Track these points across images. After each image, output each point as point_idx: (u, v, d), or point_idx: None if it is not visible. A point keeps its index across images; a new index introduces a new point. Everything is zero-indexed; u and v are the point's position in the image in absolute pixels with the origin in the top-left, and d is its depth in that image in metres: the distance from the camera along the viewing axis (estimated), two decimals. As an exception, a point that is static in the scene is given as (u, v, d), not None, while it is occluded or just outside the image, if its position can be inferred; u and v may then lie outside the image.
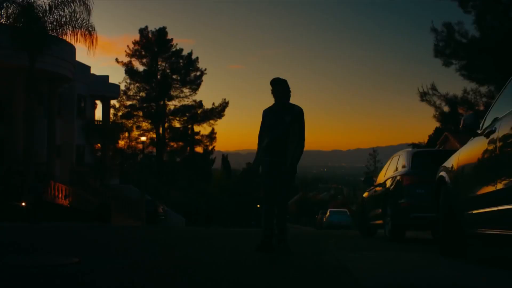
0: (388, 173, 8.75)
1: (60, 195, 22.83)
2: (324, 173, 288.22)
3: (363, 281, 3.43)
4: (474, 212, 4.04)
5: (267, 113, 5.24)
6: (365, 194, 10.37)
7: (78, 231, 9.66)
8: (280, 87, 5.15)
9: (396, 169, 8.19)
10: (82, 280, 3.19)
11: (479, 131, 4.20)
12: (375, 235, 9.96)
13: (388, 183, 8.15)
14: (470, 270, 3.94)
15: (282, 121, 5.06)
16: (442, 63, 12.95)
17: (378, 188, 9.01)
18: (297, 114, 5.12)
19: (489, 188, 3.72)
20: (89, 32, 19.69)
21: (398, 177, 7.69)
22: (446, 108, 12.74)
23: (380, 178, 9.23)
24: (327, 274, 3.74)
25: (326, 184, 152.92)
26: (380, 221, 8.60)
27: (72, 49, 25.46)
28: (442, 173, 4.97)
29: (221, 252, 5.54)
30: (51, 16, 19.46)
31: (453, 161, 4.74)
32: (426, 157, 8.06)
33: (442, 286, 3.26)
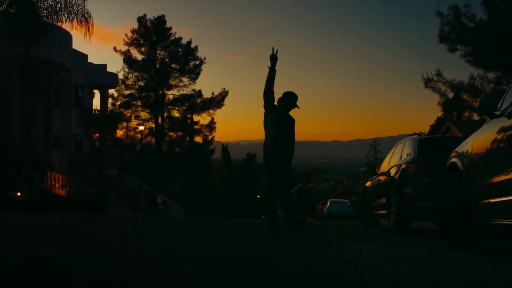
0: (392, 161, 8.46)
1: (57, 185, 22.62)
2: (324, 163, 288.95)
3: (370, 277, 3.13)
4: (491, 201, 3.70)
5: (279, 110, 6.01)
6: (368, 184, 10.10)
7: (71, 222, 9.36)
8: (295, 101, 6.11)
9: (401, 157, 7.89)
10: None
11: (497, 112, 3.84)
12: (377, 226, 9.71)
13: (393, 172, 7.84)
14: (483, 264, 3.63)
15: (289, 122, 6.06)
16: (447, 49, 12.58)
17: (381, 177, 8.71)
18: (294, 121, 6.15)
19: (509, 175, 3.37)
20: (85, 19, 19.25)
21: (403, 165, 7.38)
22: (451, 95, 12.36)
23: (384, 167, 8.94)
24: (330, 269, 3.42)
25: (326, 174, 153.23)
26: (383, 211, 8.31)
27: (68, 37, 25.05)
28: (454, 159, 4.62)
29: (219, 246, 5.22)
30: (45, 2, 19.00)
31: (467, 146, 4.38)
32: (432, 144, 7.76)
33: (456, 282, 2.94)
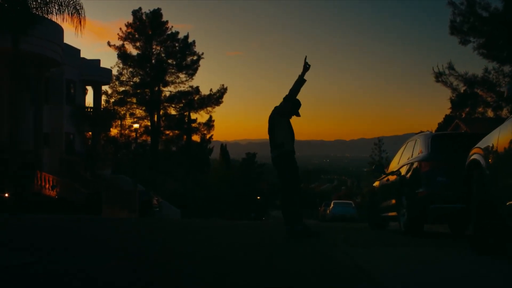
0: (402, 159, 8.23)
1: (47, 186, 22.40)
2: (327, 163, 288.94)
3: (384, 286, 2.86)
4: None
5: (289, 123, 6.38)
6: (376, 183, 9.87)
7: (59, 224, 9.09)
8: (299, 108, 6.38)
9: (412, 155, 7.65)
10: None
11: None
12: (386, 228, 9.49)
13: (403, 171, 7.61)
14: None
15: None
16: (459, 41, 12.29)
17: (391, 177, 8.47)
18: None
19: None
20: (76, 11, 18.91)
21: (415, 164, 7.15)
22: (463, 89, 12.08)
23: (393, 166, 8.72)
24: (341, 277, 3.15)
25: (328, 175, 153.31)
26: (393, 213, 8.09)
27: (59, 30, 24.77)
28: (476, 156, 4.36)
29: (215, 247, 4.96)
30: (34, -7, 18.70)
31: (491, 141, 4.12)
32: (446, 140, 7.52)
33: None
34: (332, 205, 31.47)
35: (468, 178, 4.60)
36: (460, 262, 3.80)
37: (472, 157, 4.51)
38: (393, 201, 7.96)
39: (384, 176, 9.11)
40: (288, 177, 6.21)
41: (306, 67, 6.00)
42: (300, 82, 6.04)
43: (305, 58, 6.03)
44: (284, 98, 6.16)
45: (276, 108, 6.29)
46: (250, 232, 7.62)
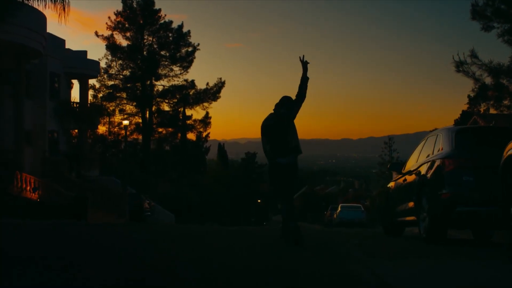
0: (421, 157, 7.99)
1: (28, 188, 22.06)
2: (332, 164, 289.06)
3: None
4: None
5: None
6: (391, 184, 9.62)
7: (36, 230, 8.75)
8: None
9: (433, 152, 7.39)
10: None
11: None
12: (403, 234, 9.30)
13: (424, 170, 7.34)
14: None
15: None
16: (481, 27, 11.94)
17: (409, 177, 8.21)
18: None
19: None
20: (59, -4, 18.57)
21: (437, 162, 6.88)
22: (487, 80, 11.74)
23: (411, 164, 8.45)
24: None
25: (334, 176, 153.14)
26: (411, 218, 7.85)
27: (42, 18, 24.40)
28: (515, 151, 4.00)
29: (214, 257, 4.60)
30: (12, -24, 18.31)
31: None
32: (472, 135, 7.28)
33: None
34: (339, 209, 31.33)
35: (504, 177, 4.27)
36: (503, 279, 3.44)
37: (510, 152, 4.17)
38: (412, 204, 7.73)
39: (400, 176, 8.87)
40: (293, 184, 6.67)
41: (306, 66, 6.47)
42: (307, 81, 6.50)
43: (303, 57, 6.53)
44: (299, 100, 6.54)
45: (286, 110, 6.57)
46: (250, 241, 7.27)
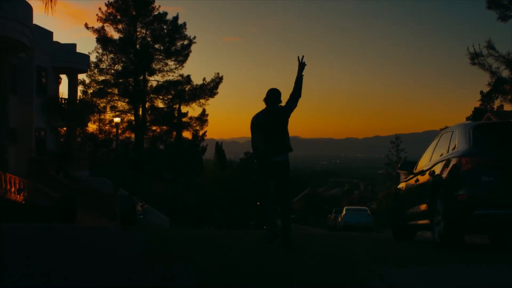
0: (435, 156, 7.82)
1: (13, 189, 21.97)
2: (336, 164, 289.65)
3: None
4: None
5: None
6: (401, 185, 9.48)
7: (21, 234, 8.56)
8: None
9: (449, 150, 7.23)
10: None
11: None
12: (414, 239, 9.20)
13: (438, 169, 7.17)
14: None
15: None
16: (497, 17, 11.76)
17: (421, 177, 8.04)
18: None
19: None
20: (45, -17, 18.38)
21: (453, 160, 6.71)
22: (505, 73, 11.53)
23: (423, 164, 8.30)
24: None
25: (338, 177, 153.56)
26: (424, 221, 7.68)
27: (28, 9, 24.24)
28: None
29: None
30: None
31: None
32: (492, 131, 7.15)
33: None
34: (344, 212, 31.21)
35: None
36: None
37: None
38: (425, 206, 7.59)
39: (412, 176, 8.72)
40: (289, 182, 6.89)
41: (303, 66, 6.77)
42: (302, 80, 6.77)
43: (302, 58, 6.80)
44: (295, 98, 6.78)
45: (282, 107, 6.80)
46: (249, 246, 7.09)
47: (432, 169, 7.44)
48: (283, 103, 6.86)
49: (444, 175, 6.82)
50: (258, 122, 6.79)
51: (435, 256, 5.70)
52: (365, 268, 4.39)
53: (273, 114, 6.74)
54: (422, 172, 8.07)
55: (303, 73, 6.80)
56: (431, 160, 7.93)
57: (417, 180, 8.24)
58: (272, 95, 6.79)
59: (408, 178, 8.96)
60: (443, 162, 7.03)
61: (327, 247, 7.11)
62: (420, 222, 7.86)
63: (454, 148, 7.03)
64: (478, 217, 6.20)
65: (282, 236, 6.64)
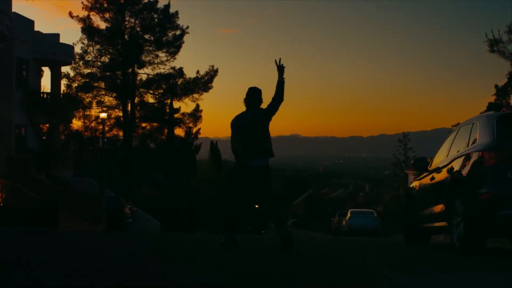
0: (453, 151, 7.65)
1: (-11, 190, 21.77)
2: (340, 165, 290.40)
3: None
4: None
5: None
6: (415, 184, 9.34)
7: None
8: None
9: (469, 144, 7.05)
10: None
11: None
12: (428, 243, 9.14)
13: (457, 165, 7.00)
14: None
15: None
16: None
17: (437, 175, 7.86)
18: None
19: None
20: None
21: (475, 155, 6.54)
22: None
23: (439, 160, 8.14)
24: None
25: (342, 179, 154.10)
26: (441, 223, 7.52)
27: (6, -4, 24.03)
28: None
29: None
30: None
31: None
32: None
33: None
34: (348, 215, 31.19)
35: None
36: None
37: None
38: (442, 207, 7.44)
39: (426, 174, 8.59)
40: (272, 187, 7.09)
41: (282, 70, 7.01)
42: (283, 84, 6.98)
43: (279, 61, 7.05)
44: (277, 102, 6.95)
45: (263, 109, 7.03)
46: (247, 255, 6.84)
47: (450, 165, 7.27)
48: (264, 104, 7.07)
49: (464, 171, 6.65)
50: (237, 123, 7.01)
51: (456, 262, 5.45)
52: (380, 275, 4.14)
53: (253, 116, 6.94)
54: (438, 169, 7.94)
55: (284, 77, 7.02)
56: (448, 155, 7.78)
57: (432, 178, 8.09)
58: (252, 96, 7.02)
59: (422, 176, 8.82)
60: (463, 158, 6.86)
61: (333, 252, 6.86)
62: (436, 224, 7.72)
63: (474, 141, 6.87)
64: (503, 218, 6.03)
65: (281, 239, 6.73)
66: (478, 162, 6.37)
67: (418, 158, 8.87)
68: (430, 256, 6.44)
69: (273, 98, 6.96)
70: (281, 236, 6.74)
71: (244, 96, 7.08)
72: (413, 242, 9.05)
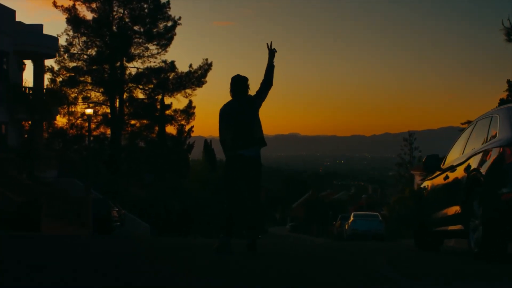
0: (469, 147, 7.49)
1: (-34, 192, 21.49)
2: (341, 165, 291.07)
3: None
4: None
5: None
6: (426, 184, 9.16)
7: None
8: None
9: (487, 139, 6.90)
10: None
11: None
12: (441, 248, 9.05)
13: (475, 163, 6.80)
14: None
15: None
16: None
17: (452, 173, 7.68)
18: None
19: None
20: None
21: (495, 151, 6.34)
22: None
23: (454, 157, 7.99)
24: None
25: (343, 180, 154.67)
26: (457, 226, 7.33)
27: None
28: None
29: None
30: None
31: None
32: None
33: None
34: (351, 218, 31.23)
35: None
36: None
37: None
38: (457, 208, 7.29)
39: (439, 173, 8.45)
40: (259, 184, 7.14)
41: (273, 54, 7.16)
42: (273, 68, 7.16)
43: (270, 45, 7.19)
44: (266, 87, 7.09)
45: (251, 96, 7.11)
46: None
47: (467, 163, 7.09)
48: (252, 92, 7.12)
49: (483, 169, 6.46)
50: (225, 112, 7.05)
51: (477, 270, 5.26)
52: (394, 285, 3.92)
53: (241, 104, 7.00)
54: (452, 168, 7.79)
55: (273, 61, 7.15)
56: (463, 152, 7.63)
57: (446, 177, 7.94)
58: (237, 84, 7.07)
59: (435, 175, 8.70)
60: (481, 154, 6.68)
61: (341, 258, 6.67)
62: (451, 228, 7.57)
63: (494, 137, 6.71)
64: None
65: (247, 240, 6.97)
66: (499, 159, 6.18)
67: (430, 156, 8.72)
68: (445, 263, 6.29)
69: (261, 83, 7.07)
70: (248, 240, 6.93)
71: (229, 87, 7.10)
72: (425, 247, 8.92)
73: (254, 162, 6.90)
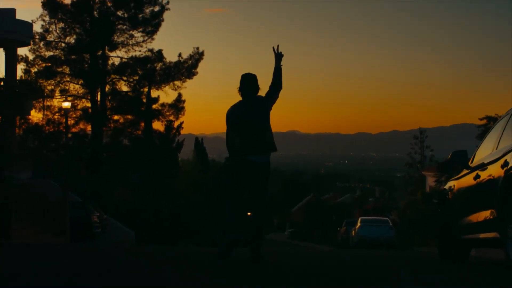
0: (504, 142, 7.20)
1: None
2: (345, 166, 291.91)
3: None
4: None
5: None
6: (451, 184, 8.86)
7: None
8: None
9: None
10: None
11: None
12: (468, 259, 8.78)
13: None
14: None
15: None
16: None
17: (484, 172, 7.39)
18: None
19: None
20: None
21: None
22: None
23: (484, 154, 7.76)
24: None
25: (347, 182, 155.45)
26: (490, 234, 7.04)
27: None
28: None
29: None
30: None
31: None
32: None
33: None
34: (359, 224, 31.21)
35: None
36: None
37: None
38: (491, 212, 7.01)
39: (467, 172, 8.21)
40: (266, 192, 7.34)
41: (280, 57, 7.49)
42: (281, 71, 7.48)
43: (277, 48, 7.52)
44: (276, 90, 7.39)
45: (261, 97, 7.33)
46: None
47: (503, 159, 6.76)
48: (262, 92, 7.31)
49: (525, 168, 6.23)
50: (233, 114, 7.20)
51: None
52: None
53: (252, 105, 7.18)
54: (483, 166, 7.49)
55: (281, 64, 7.46)
56: (497, 148, 7.33)
57: (477, 177, 7.63)
58: (247, 82, 7.24)
59: (462, 174, 8.46)
60: (521, 150, 6.45)
61: (355, 269, 6.31)
62: (483, 235, 7.31)
63: None
64: None
65: (250, 250, 7.02)
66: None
67: (456, 152, 8.53)
68: (480, 277, 6.10)
69: (270, 86, 7.35)
70: (252, 249, 7.01)
71: (238, 85, 7.22)
72: (450, 258, 8.67)
73: (264, 169, 7.09)
